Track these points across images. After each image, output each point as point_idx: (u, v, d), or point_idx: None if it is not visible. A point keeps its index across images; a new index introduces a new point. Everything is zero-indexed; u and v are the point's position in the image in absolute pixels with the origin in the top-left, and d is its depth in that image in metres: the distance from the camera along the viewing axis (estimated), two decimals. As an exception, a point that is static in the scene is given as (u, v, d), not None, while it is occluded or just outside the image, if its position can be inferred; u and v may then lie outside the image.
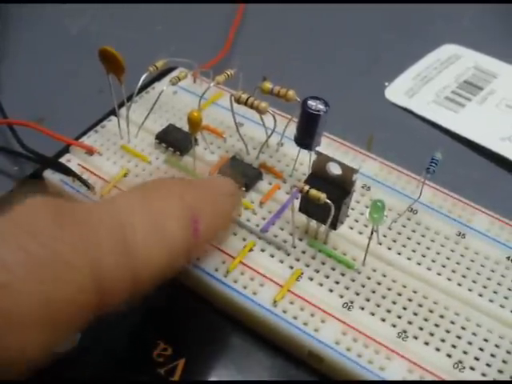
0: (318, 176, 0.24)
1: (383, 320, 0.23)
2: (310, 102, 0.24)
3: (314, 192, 0.23)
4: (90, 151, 0.29)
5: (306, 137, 0.25)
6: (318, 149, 0.24)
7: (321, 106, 0.24)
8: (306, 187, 0.23)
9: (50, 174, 0.28)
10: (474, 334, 0.23)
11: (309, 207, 0.24)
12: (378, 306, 0.24)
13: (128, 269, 0.19)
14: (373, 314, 0.23)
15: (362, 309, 0.23)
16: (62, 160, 0.28)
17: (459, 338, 0.23)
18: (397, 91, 0.36)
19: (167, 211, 0.20)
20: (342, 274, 0.24)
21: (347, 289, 0.24)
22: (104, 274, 0.18)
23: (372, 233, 0.23)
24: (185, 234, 0.20)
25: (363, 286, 0.24)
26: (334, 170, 0.24)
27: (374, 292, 0.24)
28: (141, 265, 0.19)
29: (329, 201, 0.23)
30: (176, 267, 0.21)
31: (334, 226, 0.24)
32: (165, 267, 0.20)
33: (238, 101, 0.26)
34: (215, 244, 0.25)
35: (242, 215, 0.26)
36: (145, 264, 0.19)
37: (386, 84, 0.37)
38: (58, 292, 0.17)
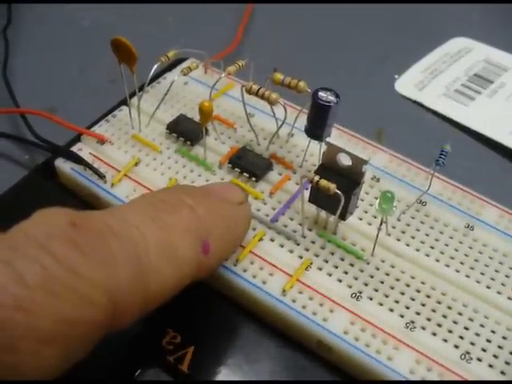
0: (328, 167, 0.24)
1: (391, 310, 0.23)
2: (321, 94, 0.25)
3: (324, 182, 0.23)
4: (101, 140, 0.29)
5: (316, 128, 0.25)
6: (328, 140, 0.24)
7: (331, 98, 0.25)
8: (316, 178, 0.23)
9: (61, 163, 0.28)
10: (481, 325, 0.23)
11: (318, 198, 0.24)
12: (387, 296, 0.24)
13: (140, 286, 0.19)
14: (381, 305, 0.24)
15: (371, 299, 0.24)
16: (74, 149, 0.29)
17: (467, 329, 0.23)
18: (407, 84, 0.36)
19: (179, 227, 0.20)
20: (351, 265, 0.25)
21: (356, 279, 0.24)
22: (118, 291, 0.18)
23: (381, 224, 0.24)
24: (194, 250, 0.20)
25: (372, 277, 0.24)
26: (344, 160, 0.24)
27: (382, 283, 0.24)
28: (152, 283, 0.19)
29: (339, 191, 0.23)
30: (185, 283, 0.21)
31: (343, 217, 0.24)
32: (174, 285, 0.20)
33: (250, 91, 0.26)
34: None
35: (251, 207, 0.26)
36: (156, 282, 0.19)
37: (396, 77, 0.37)
38: (73, 308, 0.17)
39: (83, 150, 0.28)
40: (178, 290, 0.20)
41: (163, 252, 0.19)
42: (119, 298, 0.18)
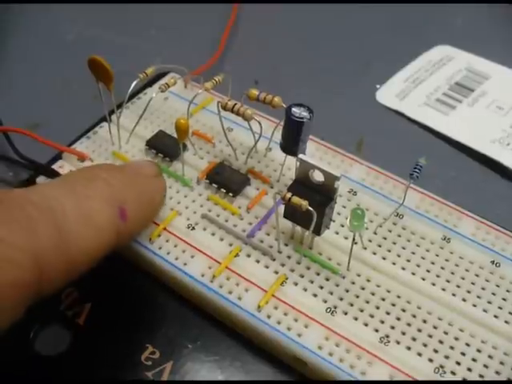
0: (302, 183, 0.24)
1: (366, 325, 0.24)
2: (294, 110, 0.25)
3: (296, 200, 0.23)
4: (82, 158, 0.29)
5: (290, 143, 0.26)
6: (301, 156, 0.24)
7: (305, 113, 0.25)
8: (289, 195, 0.23)
9: (43, 180, 0.28)
10: (456, 338, 0.23)
11: (293, 213, 0.24)
12: (362, 310, 0.24)
13: (62, 249, 0.20)
14: (356, 319, 0.24)
15: (346, 314, 0.24)
16: (55, 166, 0.29)
17: (441, 342, 0.23)
18: (388, 94, 0.36)
19: (93, 195, 0.22)
20: (327, 279, 0.25)
21: (331, 294, 0.24)
22: (41, 252, 0.19)
23: (354, 238, 0.24)
24: (112, 216, 0.22)
25: (347, 291, 0.24)
26: (317, 177, 0.24)
27: (357, 297, 0.24)
28: (73, 246, 0.20)
29: (310, 208, 0.23)
30: (107, 248, 0.22)
31: (317, 232, 0.24)
32: (95, 248, 0.21)
33: (225, 108, 0.26)
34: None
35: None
36: (77, 246, 0.20)
37: (378, 86, 0.37)
38: (0, 271, 0.18)
39: (64, 167, 0.29)
40: (101, 255, 0.22)
41: (81, 218, 0.21)
42: (43, 259, 0.19)
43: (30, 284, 0.19)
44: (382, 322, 0.24)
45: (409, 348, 0.23)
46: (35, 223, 0.19)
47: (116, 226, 0.22)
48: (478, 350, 0.23)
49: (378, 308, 0.24)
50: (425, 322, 0.24)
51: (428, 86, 0.37)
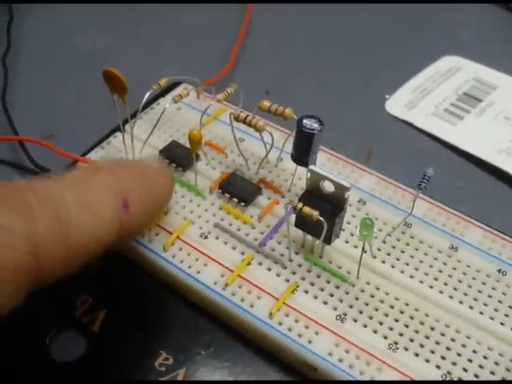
0: (313, 193, 0.25)
1: (375, 332, 0.24)
2: (305, 121, 0.25)
3: (306, 210, 0.24)
4: (97, 167, 0.30)
5: (301, 154, 0.26)
6: (312, 167, 0.24)
7: (315, 125, 0.25)
8: (300, 205, 0.24)
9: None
10: (463, 345, 0.24)
11: (304, 223, 0.25)
12: (371, 318, 0.24)
13: (60, 237, 0.20)
14: (365, 326, 0.24)
15: (355, 321, 0.24)
16: (70, 176, 0.29)
17: (449, 349, 0.24)
18: (397, 104, 0.37)
19: (97, 186, 0.22)
20: (337, 287, 0.25)
21: (341, 301, 0.25)
22: (37, 239, 0.19)
23: (363, 247, 0.24)
24: (114, 206, 0.22)
25: (357, 299, 0.25)
26: (328, 187, 0.24)
27: (367, 304, 0.25)
28: (73, 235, 0.20)
29: (321, 218, 0.23)
30: (108, 240, 0.22)
31: (328, 241, 0.25)
32: (97, 238, 0.21)
33: (237, 119, 0.27)
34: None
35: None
36: (77, 235, 0.20)
37: (387, 97, 0.38)
38: None
39: (79, 176, 0.29)
40: (102, 246, 0.22)
41: (82, 207, 0.21)
42: (40, 246, 0.19)
43: (28, 269, 0.19)
44: (391, 329, 0.24)
45: (417, 354, 0.23)
46: (32, 210, 0.20)
47: (119, 217, 0.22)
48: (485, 357, 0.24)
49: (386, 315, 0.24)
50: (432, 329, 0.24)
51: (436, 97, 0.37)
